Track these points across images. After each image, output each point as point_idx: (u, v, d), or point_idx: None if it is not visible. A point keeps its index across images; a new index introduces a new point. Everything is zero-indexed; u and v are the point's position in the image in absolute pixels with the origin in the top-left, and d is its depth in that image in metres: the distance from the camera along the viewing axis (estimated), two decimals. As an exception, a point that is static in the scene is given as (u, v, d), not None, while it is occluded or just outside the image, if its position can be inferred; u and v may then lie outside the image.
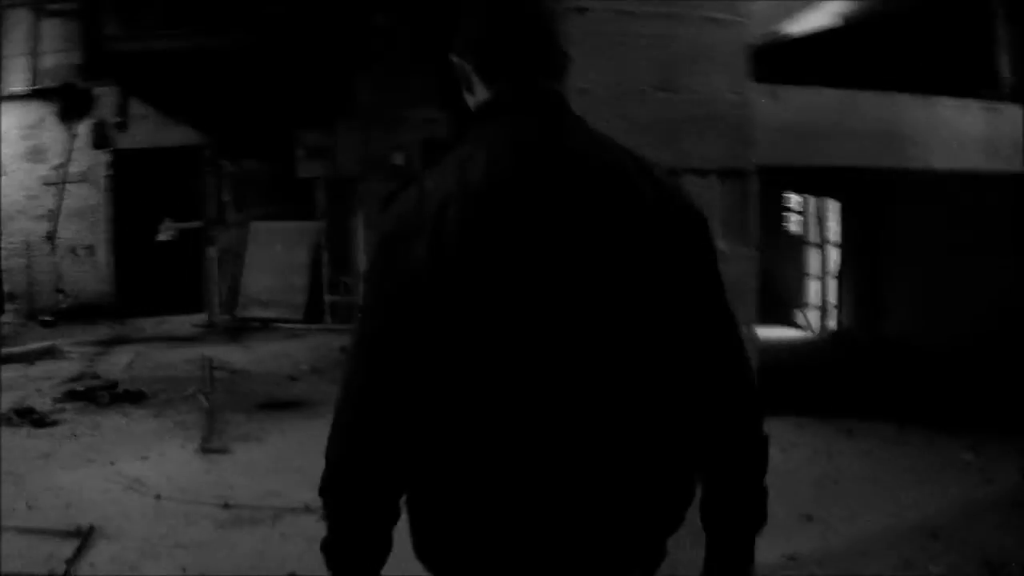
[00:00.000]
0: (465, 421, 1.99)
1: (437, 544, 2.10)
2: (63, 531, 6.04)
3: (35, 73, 17.06)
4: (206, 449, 8.34)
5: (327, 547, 2.06)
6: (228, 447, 8.44)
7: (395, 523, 2.07)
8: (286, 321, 16.72)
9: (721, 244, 4.34)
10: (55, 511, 6.56)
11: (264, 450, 8.45)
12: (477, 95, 2.15)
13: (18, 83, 17.06)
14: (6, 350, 13.21)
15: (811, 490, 7.15)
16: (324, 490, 2.06)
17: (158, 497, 6.89)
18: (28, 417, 9.28)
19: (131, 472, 7.53)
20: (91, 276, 17.56)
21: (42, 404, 9.96)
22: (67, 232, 17.42)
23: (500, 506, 2.00)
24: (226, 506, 6.72)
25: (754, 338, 4.58)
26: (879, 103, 5.49)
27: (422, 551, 2.13)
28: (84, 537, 5.95)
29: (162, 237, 16.58)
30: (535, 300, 1.95)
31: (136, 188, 17.00)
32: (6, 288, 17.15)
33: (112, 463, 7.82)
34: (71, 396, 10.31)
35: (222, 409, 9.83)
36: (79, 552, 5.74)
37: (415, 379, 1.96)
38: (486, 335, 1.95)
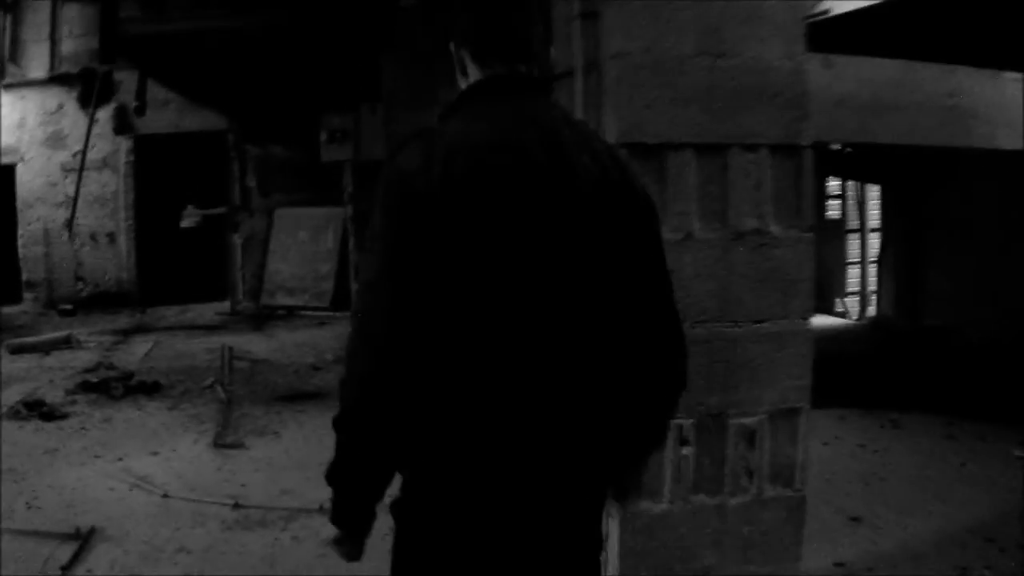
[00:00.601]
0: (457, 342, 2.28)
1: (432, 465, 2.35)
2: (62, 533, 5.71)
3: (55, 58, 16.92)
4: (220, 444, 8.00)
5: (339, 468, 2.33)
6: (243, 442, 8.10)
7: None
8: (312, 309, 16.51)
9: (772, 227, 3.96)
10: (56, 511, 6.24)
11: (281, 445, 8.10)
12: (470, 77, 2.58)
13: (38, 69, 16.96)
14: (21, 340, 13.04)
15: (858, 488, 6.82)
16: (350, 410, 2.27)
17: (165, 496, 6.56)
18: (37, 410, 8.96)
19: (139, 469, 7.21)
20: (112, 264, 17.34)
21: (53, 396, 9.69)
22: (87, 219, 17.23)
23: (489, 416, 2.30)
24: (236, 506, 6.38)
25: (809, 331, 4.18)
26: (941, 76, 5.06)
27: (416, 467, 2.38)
28: (83, 540, 5.62)
29: (185, 224, 16.49)
30: (521, 231, 2.30)
31: (158, 174, 16.85)
32: (25, 277, 17.03)
33: (120, 459, 7.49)
34: (84, 388, 10.03)
35: (240, 401, 9.60)
36: (76, 557, 5.40)
37: (428, 296, 2.24)
38: (481, 262, 2.28)
